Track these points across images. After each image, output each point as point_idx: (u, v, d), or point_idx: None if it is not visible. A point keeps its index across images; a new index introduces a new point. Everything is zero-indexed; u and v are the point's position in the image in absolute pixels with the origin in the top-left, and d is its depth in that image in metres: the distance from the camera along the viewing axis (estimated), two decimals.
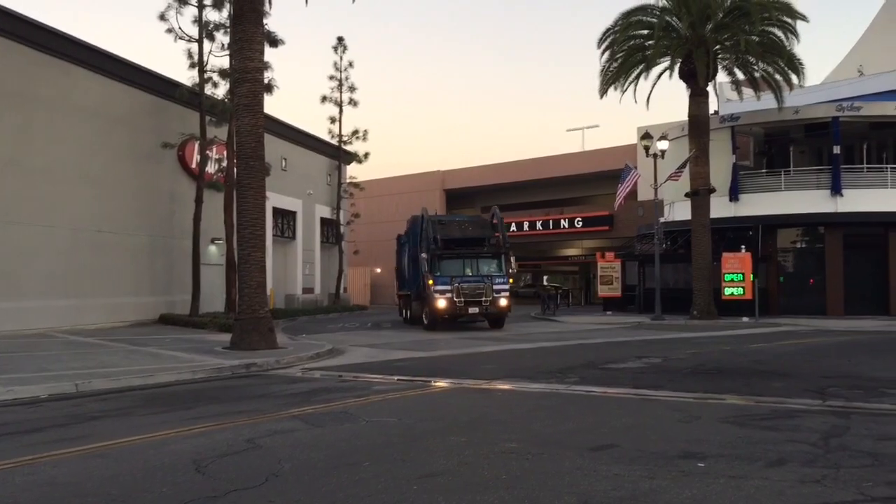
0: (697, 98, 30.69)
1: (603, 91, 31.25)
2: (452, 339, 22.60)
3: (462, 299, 25.59)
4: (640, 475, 6.51)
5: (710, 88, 31.44)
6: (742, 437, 8.13)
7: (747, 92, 32.69)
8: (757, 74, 30.58)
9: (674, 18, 29.95)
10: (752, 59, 29.95)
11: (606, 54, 30.87)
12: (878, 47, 39.89)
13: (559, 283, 54.23)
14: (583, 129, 58.96)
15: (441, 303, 25.64)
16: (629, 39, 30.62)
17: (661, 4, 30.22)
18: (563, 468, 6.81)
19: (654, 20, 29.98)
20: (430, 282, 25.74)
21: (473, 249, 26.78)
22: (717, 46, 30.03)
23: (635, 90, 31.30)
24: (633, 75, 31.01)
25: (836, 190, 32.15)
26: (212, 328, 24.98)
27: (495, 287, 25.92)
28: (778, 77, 30.06)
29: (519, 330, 26.88)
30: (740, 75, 31.25)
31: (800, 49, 29.43)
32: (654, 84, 31.40)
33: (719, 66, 30.95)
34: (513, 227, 49.19)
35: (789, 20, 28.80)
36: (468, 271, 26.24)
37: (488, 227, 28.50)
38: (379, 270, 57.51)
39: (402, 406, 10.62)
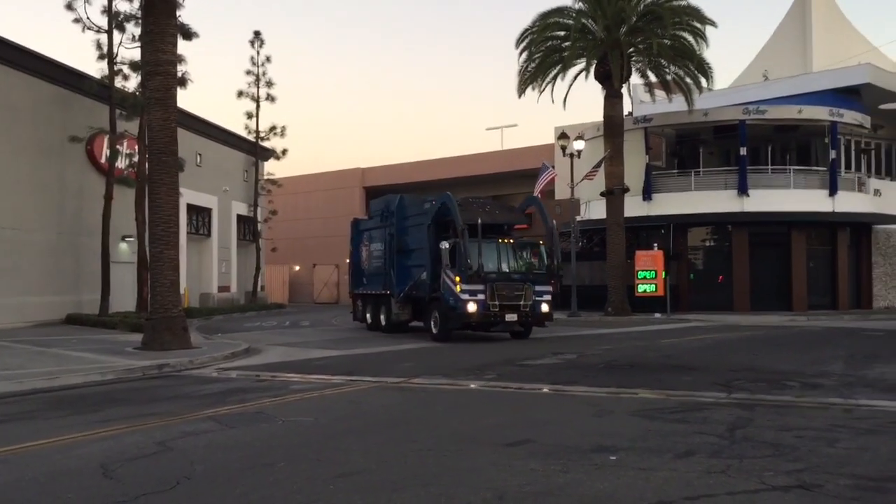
0: (612, 99, 31.37)
1: (521, 91, 31.61)
2: (381, 337, 22.53)
3: (497, 302, 19.89)
4: (555, 469, 6.63)
5: (624, 90, 32.19)
6: (653, 430, 8.36)
7: (660, 94, 33.60)
8: (669, 77, 31.43)
9: (590, 21, 30.53)
10: (664, 63, 30.78)
11: (524, 54, 31.25)
12: (782, 53, 41.53)
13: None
14: (501, 129, 59.54)
15: (471, 306, 19.67)
16: (546, 40, 31.07)
17: (577, 7, 30.78)
18: (479, 464, 6.87)
19: (571, 22, 30.51)
20: (457, 278, 19.81)
21: (509, 239, 21.62)
22: (631, 49, 30.75)
23: (552, 90, 31.81)
24: (551, 76, 31.48)
25: (742, 190, 33.33)
26: (122, 328, 24.22)
27: (537, 288, 20.59)
28: (688, 80, 30.98)
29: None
30: (653, 78, 32.07)
31: (709, 53, 30.78)
32: (571, 85, 31.99)
33: (633, 69, 31.68)
34: None
35: (699, 25, 29.72)
36: (504, 267, 20.55)
37: (517, 213, 23.72)
38: (298, 268, 56.87)
39: (320, 405, 10.53)
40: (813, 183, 34.09)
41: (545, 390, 11.76)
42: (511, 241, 21.28)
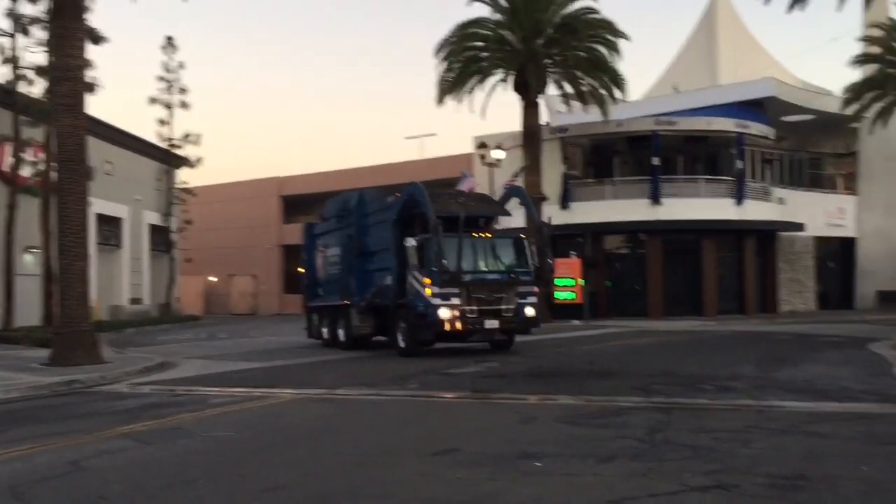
0: (530, 110, 31.83)
1: (440, 100, 31.79)
2: (297, 349, 22.20)
3: (475, 307, 17.21)
4: (481, 477, 6.64)
5: (542, 100, 32.71)
6: (576, 435, 8.48)
7: (576, 105, 34.29)
8: (584, 88, 32.10)
9: (508, 32, 30.94)
10: (579, 74, 31.43)
11: (444, 64, 31.44)
12: (691, 66, 42.97)
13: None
14: (421, 137, 59.65)
15: (444, 313, 16.99)
16: (465, 50, 31.34)
17: (495, 18, 31.15)
18: (407, 474, 6.84)
19: (489, 33, 30.87)
20: (427, 281, 17.12)
21: (487, 233, 18.62)
22: (548, 61, 31.28)
23: (471, 100, 32.07)
24: (470, 85, 31.75)
25: (655, 199, 34.26)
26: (27, 343, 23.19)
27: (520, 289, 17.89)
28: (603, 91, 31.70)
29: None
30: (569, 89, 32.69)
31: (623, 66, 31.49)
32: (490, 95, 32.28)
33: (550, 80, 32.24)
34: None
35: (613, 39, 30.49)
36: (481, 265, 17.74)
37: (495, 204, 20.77)
38: (214, 279, 55.65)
39: (241, 419, 10.30)
40: (721, 192, 35.31)
41: (470, 399, 11.80)
42: (489, 235, 18.40)
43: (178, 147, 42.75)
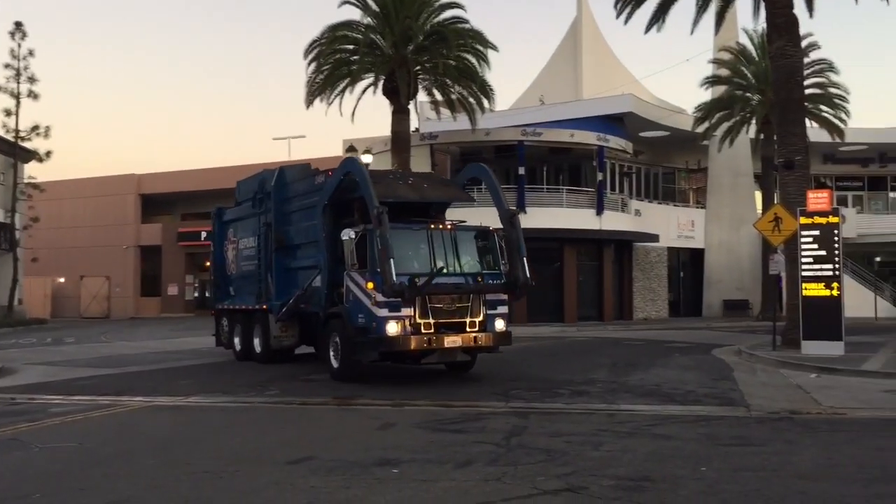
0: (400, 115, 31.86)
1: (309, 102, 31.29)
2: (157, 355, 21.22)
3: (432, 320, 13.08)
4: (336, 485, 6.56)
5: (412, 106, 32.82)
6: (434, 441, 8.52)
7: (445, 112, 34.61)
8: (454, 96, 32.43)
9: (378, 37, 30.85)
10: (449, 82, 31.72)
11: (313, 66, 30.97)
12: (557, 79, 44.32)
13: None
14: (289, 139, 58.61)
15: (392, 328, 12.83)
16: (335, 53, 31.02)
17: (366, 22, 31.01)
18: (258, 485, 6.66)
19: (360, 36, 30.67)
20: (370, 285, 13.06)
21: (445, 224, 14.51)
22: (418, 67, 31.42)
23: (341, 103, 31.70)
24: (339, 88, 31.42)
25: (520, 207, 35.03)
26: None
27: (488, 297, 13.81)
28: (472, 100, 32.14)
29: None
30: (439, 96, 32.93)
31: (491, 76, 32.40)
32: (360, 98, 31.94)
33: (420, 86, 32.38)
34: None
35: (482, 49, 30.96)
36: (440, 265, 13.54)
37: (453, 187, 16.75)
38: (62, 280, 52.60)
39: (85, 429, 9.75)
40: (583, 202, 36.56)
41: (330, 404, 11.65)
42: (449, 227, 14.29)
43: (26, 139, 40.19)
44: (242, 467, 7.33)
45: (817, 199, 17.37)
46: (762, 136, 35.66)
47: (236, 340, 18.68)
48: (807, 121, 25.64)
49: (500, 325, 13.95)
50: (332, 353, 14.11)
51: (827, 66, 35.23)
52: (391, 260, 12.46)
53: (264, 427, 9.85)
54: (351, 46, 30.90)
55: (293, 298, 15.88)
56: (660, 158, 42.42)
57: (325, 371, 14.38)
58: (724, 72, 37.26)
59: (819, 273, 16.69)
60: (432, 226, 14.13)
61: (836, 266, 16.72)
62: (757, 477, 6.77)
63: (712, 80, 37.75)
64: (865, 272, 41.09)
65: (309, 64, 30.89)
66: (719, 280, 40.29)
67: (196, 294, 52.08)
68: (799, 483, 6.53)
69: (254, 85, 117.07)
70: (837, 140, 37.00)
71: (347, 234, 13.55)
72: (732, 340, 22.13)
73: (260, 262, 17.56)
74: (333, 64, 30.89)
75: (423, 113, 37.15)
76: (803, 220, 17.07)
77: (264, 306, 16.98)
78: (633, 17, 24.01)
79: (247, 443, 8.72)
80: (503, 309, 14.18)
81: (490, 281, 13.90)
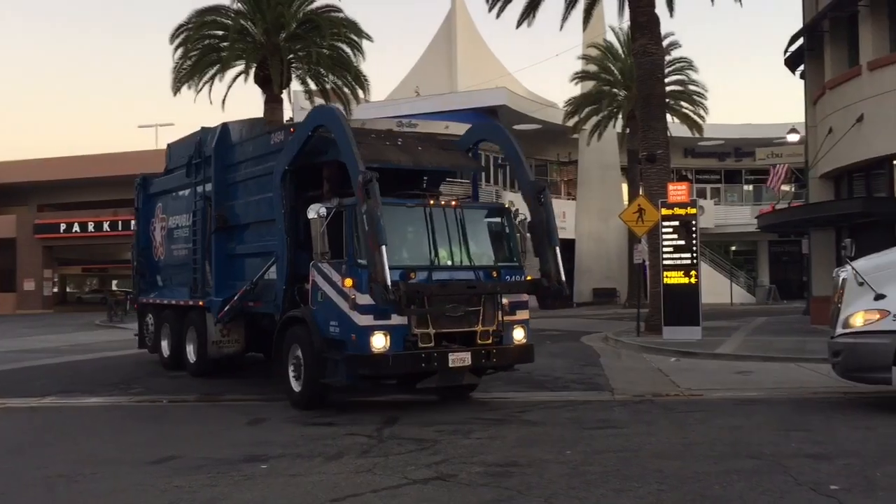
0: (272, 104, 31.21)
1: (176, 89, 30.18)
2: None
3: (433, 331, 9.62)
4: (201, 484, 6.38)
5: (285, 95, 32.22)
6: (305, 435, 8.42)
7: (320, 102, 34.17)
8: (328, 86, 32.06)
9: (249, 23, 30.09)
10: (323, 72, 31.33)
11: (180, 51, 29.88)
12: (432, 71, 44.56)
13: (130, 287, 51.44)
14: (156, 127, 56.39)
15: (379, 341, 9.33)
16: (204, 38, 30.03)
17: (236, 7, 30.19)
18: (120, 486, 6.40)
19: (230, 22, 29.82)
20: (349, 282, 9.51)
21: (449, 200, 11.16)
22: (291, 56, 30.87)
23: (210, 90, 30.73)
24: (209, 75, 30.45)
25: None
26: None
27: (505, 299, 10.27)
28: (346, 90, 31.87)
29: (77, 340, 24.66)
30: (313, 85, 32.46)
31: (366, 67, 32.21)
32: (230, 86, 31.07)
33: (293, 75, 31.83)
34: (76, 228, 45.32)
35: (356, 38, 30.73)
36: (443, 256, 10.24)
37: (456, 152, 12.61)
38: None
39: None
40: (458, 193, 36.94)
41: (197, 402, 11.31)
42: (454, 204, 10.83)
43: None
44: (101, 469, 7.02)
45: (676, 191, 18.23)
46: (628, 131, 37.06)
47: (164, 344, 14.97)
48: (668, 116, 26.90)
49: (519, 335, 10.32)
50: (291, 372, 10.30)
51: (687, 65, 37.02)
52: (383, 248, 8.88)
53: (127, 427, 9.46)
54: (220, 32, 30.04)
55: (239, 294, 12.00)
56: (532, 151, 43.35)
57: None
58: (592, 68, 38.47)
59: (678, 262, 17.53)
60: (432, 201, 10.58)
61: (694, 255, 17.61)
62: (618, 458, 7.04)
63: (581, 76, 38.91)
64: (722, 260, 43.55)
65: (176, 49, 29.84)
66: (589, 269, 41.62)
67: (55, 289, 49.41)
68: (656, 462, 6.84)
69: (120, 71, 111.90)
70: (697, 135, 38.96)
71: (316, 212, 9.67)
72: (601, 327, 22.93)
73: (195, 246, 13.70)
74: (202, 50, 29.94)
75: (297, 102, 36.54)
76: (664, 212, 17.87)
77: (201, 302, 13.22)
78: (505, 11, 24.45)
79: (106, 444, 8.36)
80: (523, 314, 10.48)
81: (509, 277, 10.32)
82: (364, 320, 9.29)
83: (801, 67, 24.07)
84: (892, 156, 18.69)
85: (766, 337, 18.48)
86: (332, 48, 30.36)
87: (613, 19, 36.10)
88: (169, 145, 16.19)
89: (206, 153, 13.49)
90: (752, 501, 5.65)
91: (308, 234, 10.12)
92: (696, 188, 43.99)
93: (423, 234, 10.13)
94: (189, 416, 10.24)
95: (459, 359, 9.61)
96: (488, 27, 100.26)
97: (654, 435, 8.09)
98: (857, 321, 8.93)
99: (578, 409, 9.84)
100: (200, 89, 30.30)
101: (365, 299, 9.17)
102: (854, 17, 19.61)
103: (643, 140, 21.04)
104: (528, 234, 10.69)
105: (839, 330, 9.18)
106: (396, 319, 9.27)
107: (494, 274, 10.29)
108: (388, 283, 8.75)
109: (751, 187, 49.92)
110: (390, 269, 8.86)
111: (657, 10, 20.84)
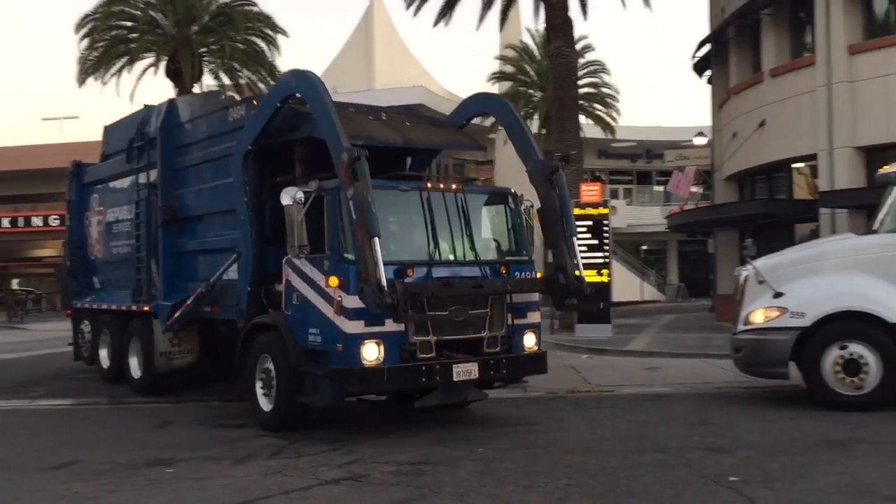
0: None
1: (81, 80, 29.16)
2: None
3: (433, 338, 8.11)
4: (104, 490, 6.18)
5: (197, 90, 31.45)
6: (214, 437, 8.25)
7: (234, 97, 33.55)
8: (242, 81, 31.47)
9: (160, 15, 29.32)
10: (237, 66, 30.75)
11: (86, 41, 28.89)
12: (351, 68, 44.26)
13: (32, 286, 49.43)
14: (61, 119, 54.21)
15: (371, 352, 7.80)
16: (112, 29, 29.09)
17: None
18: (15, 494, 6.16)
19: (139, 13, 28.99)
20: (334, 281, 7.96)
21: (448, 184, 9.31)
22: (204, 49, 30.18)
23: (118, 83, 29.81)
24: (117, 67, 29.51)
25: None
26: None
27: (515, 300, 8.85)
28: (261, 85, 31.34)
29: None
30: (227, 80, 31.83)
31: (283, 62, 31.64)
32: (140, 79, 30.19)
33: (206, 69, 31.14)
34: None
35: (271, 33, 30.31)
36: (443, 249, 8.74)
37: (449, 129, 10.73)
38: None
39: None
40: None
41: (103, 405, 10.94)
42: (455, 187, 9.18)
43: None
44: None
45: (589, 191, 18.62)
46: (544, 131, 37.61)
47: (103, 354, 12.99)
48: (582, 118, 27.43)
49: (530, 341, 8.91)
50: (259, 389, 8.69)
51: (600, 68, 37.80)
52: (376, 241, 7.42)
53: (25, 432, 9.08)
54: (129, 23, 29.16)
55: (192, 298, 10.19)
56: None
57: (85, 369, 10.92)
58: (509, 68, 38.89)
59: (591, 260, 17.87)
60: (430, 184, 9.00)
61: (607, 254, 18.00)
62: (529, 454, 7.14)
63: (499, 76, 39.28)
64: (633, 259, 44.67)
65: (81, 39, 28.86)
66: None
67: None
68: (566, 458, 6.96)
69: (20, 62, 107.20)
70: (610, 136, 39.84)
71: (292, 197, 8.07)
72: None
73: (139, 242, 11.80)
74: (110, 41, 29.02)
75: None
76: (577, 211, 18.14)
77: (146, 307, 11.33)
78: (423, 9, 24.49)
79: (3, 449, 8.01)
80: (535, 317, 9.12)
81: (518, 273, 8.96)
82: (353, 327, 7.77)
83: (709, 72, 24.91)
84: (792, 159, 19.54)
85: (675, 334, 19.05)
86: (246, 42, 29.93)
87: (530, 21, 36.65)
88: (106, 128, 14.15)
89: (151, 135, 11.57)
90: (656, 494, 5.80)
91: (276, 225, 8.79)
92: (609, 189, 44.94)
93: (419, 223, 8.62)
94: (93, 420, 9.90)
95: (465, 371, 8.13)
96: (406, 26, 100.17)
97: (565, 431, 8.23)
98: (758, 318, 9.27)
99: (491, 406, 9.91)
100: (107, 81, 29.38)
101: (353, 301, 7.68)
102: (758, 25, 20.40)
103: (558, 141, 21.36)
104: (536, 224, 9.39)
105: (740, 327, 9.51)
106: (391, 325, 7.77)
107: (503, 270, 8.88)
108: (384, 282, 7.27)
109: (661, 188, 51.39)
110: (383, 264, 7.44)
111: (571, 13, 21.20)
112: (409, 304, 7.56)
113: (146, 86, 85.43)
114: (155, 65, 29.36)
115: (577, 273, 8.75)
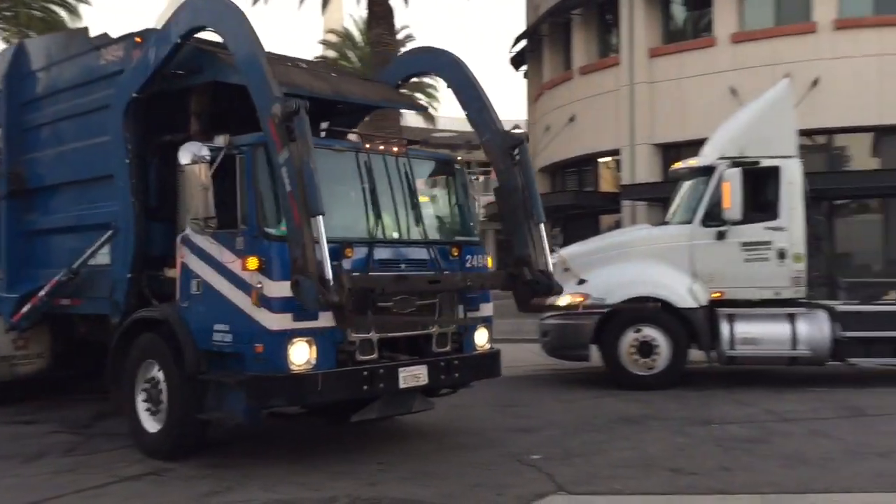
0: None
1: None
2: None
3: (376, 335, 6.49)
4: None
5: None
6: (1, 434, 7.62)
7: None
8: None
9: None
10: (33, 35, 28.53)
11: None
12: None
13: None
14: None
15: (300, 353, 6.02)
16: None
17: None
18: None
19: None
20: (252, 263, 6.07)
21: (390, 146, 7.38)
22: None
23: None
24: None
25: None
26: None
27: (467, 287, 7.13)
28: None
29: None
30: None
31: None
32: None
33: (0, 38, 28.68)
34: None
35: (73, 2, 28.37)
36: (385, 222, 6.91)
37: (387, 87, 8.61)
38: None
39: None
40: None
41: None
42: (397, 150, 7.33)
43: None
44: None
45: None
46: (368, 119, 37.61)
47: None
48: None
49: (482, 338, 7.44)
50: (141, 403, 6.79)
51: None
52: (320, 220, 5.75)
53: None
54: None
55: (48, 288, 7.86)
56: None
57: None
58: (332, 54, 38.45)
59: None
60: (368, 145, 7.19)
61: None
62: (342, 442, 7.13)
63: (321, 61, 38.76)
64: None
65: None
66: None
67: None
68: (380, 444, 7.02)
69: None
70: (431, 126, 40.45)
71: (193, 154, 6.15)
72: None
73: None
74: None
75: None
76: None
77: None
78: None
79: None
80: (487, 308, 7.62)
81: (470, 257, 7.36)
82: (277, 322, 6.01)
83: (525, 67, 25.85)
84: (598, 154, 20.69)
85: None
86: (44, 10, 27.78)
87: (353, 7, 36.41)
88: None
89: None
90: (464, 475, 5.97)
91: (161, 197, 7.09)
92: None
93: (357, 192, 6.86)
94: None
95: (413, 375, 6.57)
96: None
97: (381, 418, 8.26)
98: (562, 304, 9.75)
99: None
100: None
101: (278, 289, 5.94)
102: (569, 24, 21.40)
103: (378, 128, 21.36)
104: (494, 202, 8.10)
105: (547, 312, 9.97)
106: (325, 320, 5.97)
107: (454, 252, 7.23)
108: (328, 274, 5.63)
109: (481, 178, 52.83)
110: (332, 243, 5.84)
111: (392, 2, 21.26)
112: (360, 304, 6.01)
113: None
114: None
115: (544, 267, 7.41)
